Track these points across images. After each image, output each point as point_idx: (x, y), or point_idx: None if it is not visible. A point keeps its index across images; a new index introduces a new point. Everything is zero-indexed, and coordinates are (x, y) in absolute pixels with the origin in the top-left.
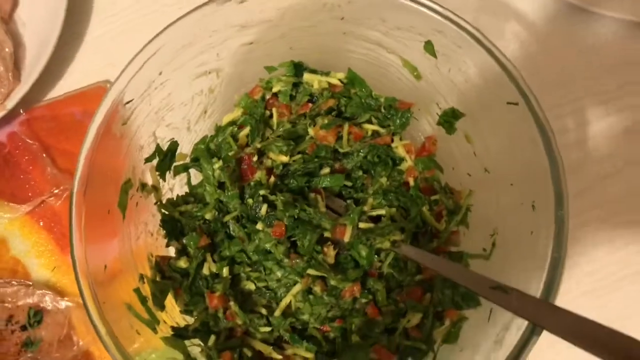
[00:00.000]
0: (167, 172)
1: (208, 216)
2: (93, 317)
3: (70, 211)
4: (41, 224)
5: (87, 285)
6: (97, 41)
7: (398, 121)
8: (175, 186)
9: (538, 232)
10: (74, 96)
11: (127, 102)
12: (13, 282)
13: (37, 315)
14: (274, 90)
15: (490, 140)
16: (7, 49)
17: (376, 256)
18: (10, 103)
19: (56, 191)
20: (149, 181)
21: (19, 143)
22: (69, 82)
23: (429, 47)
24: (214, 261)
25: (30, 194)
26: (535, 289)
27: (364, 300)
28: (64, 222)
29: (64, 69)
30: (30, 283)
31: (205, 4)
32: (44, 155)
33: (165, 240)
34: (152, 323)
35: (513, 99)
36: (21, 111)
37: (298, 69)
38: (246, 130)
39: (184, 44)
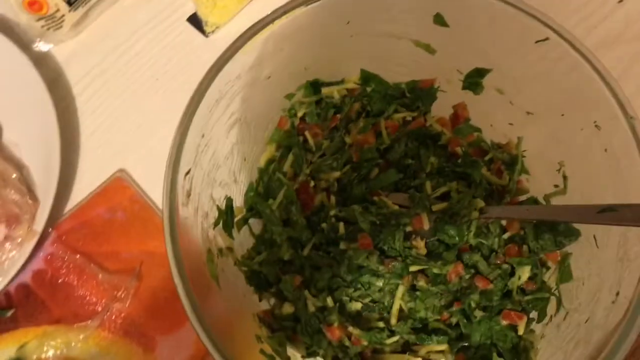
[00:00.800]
0: (233, 230)
1: (286, 257)
2: None
3: (184, 306)
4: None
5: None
6: (94, 137)
7: (425, 100)
8: (243, 242)
9: (612, 147)
10: (96, 196)
11: (187, 173)
12: None
13: None
14: (300, 115)
15: (525, 83)
16: (13, 175)
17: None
18: (39, 225)
19: (119, 294)
20: (222, 244)
21: (59, 263)
22: (85, 185)
23: (438, 18)
24: (313, 296)
25: (92, 308)
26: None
27: (468, 277)
28: (137, 322)
29: (74, 173)
30: None
31: (221, 61)
32: (91, 264)
33: (257, 296)
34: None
35: (540, 35)
36: (50, 230)
37: (315, 87)
38: (289, 161)
39: (216, 98)
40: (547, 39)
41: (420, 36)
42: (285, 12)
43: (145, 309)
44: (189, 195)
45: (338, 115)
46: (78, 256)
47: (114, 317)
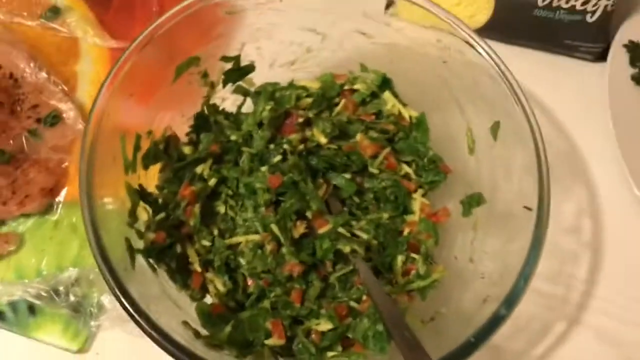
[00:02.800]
0: (230, 84)
1: (233, 137)
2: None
3: None
4: None
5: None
6: None
7: (430, 178)
8: (227, 102)
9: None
10: None
11: None
12: (59, 84)
13: (55, 119)
14: (355, 87)
15: (491, 238)
16: None
17: (333, 262)
18: None
19: None
20: (213, 77)
21: None
22: None
23: (494, 128)
24: (210, 169)
25: None
26: None
27: (296, 286)
28: None
29: None
30: (69, 98)
31: None
32: None
33: (188, 131)
34: (129, 167)
35: (530, 204)
36: None
37: (385, 84)
38: (309, 100)
39: None
40: (531, 209)
41: (475, 129)
42: None
43: None
44: (229, 12)
45: (374, 117)
46: None
47: None
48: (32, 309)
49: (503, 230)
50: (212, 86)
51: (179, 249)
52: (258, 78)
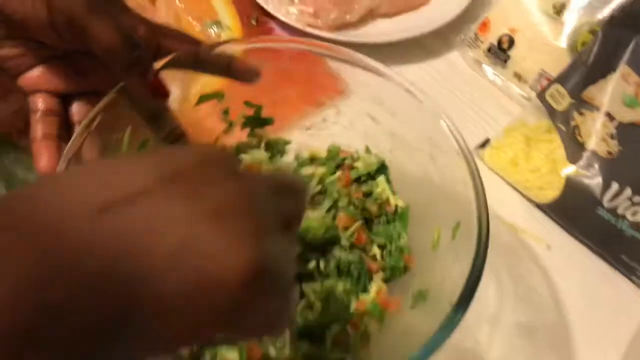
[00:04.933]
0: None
1: None
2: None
3: None
4: None
5: None
6: None
7: (393, 263)
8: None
9: None
10: None
11: None
12: None
13: None
14: (355, 164)
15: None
16: None
17: None
18: None
19: None
20: (233, 117)
21: None
22: None
23: (455, 228)
24: None
25: None
26: None
27: None
28: None
29: None
30: None
31: None
32: None
33: None
34: None
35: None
36: None
37: (382, 169)
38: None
39: None
40: None
41: (443, 228)
42: None
43: None
44: None
45: (361, 195)
46: None
47: None
48: None
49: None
50: (231, 125)
51: None
52: (273, 131)
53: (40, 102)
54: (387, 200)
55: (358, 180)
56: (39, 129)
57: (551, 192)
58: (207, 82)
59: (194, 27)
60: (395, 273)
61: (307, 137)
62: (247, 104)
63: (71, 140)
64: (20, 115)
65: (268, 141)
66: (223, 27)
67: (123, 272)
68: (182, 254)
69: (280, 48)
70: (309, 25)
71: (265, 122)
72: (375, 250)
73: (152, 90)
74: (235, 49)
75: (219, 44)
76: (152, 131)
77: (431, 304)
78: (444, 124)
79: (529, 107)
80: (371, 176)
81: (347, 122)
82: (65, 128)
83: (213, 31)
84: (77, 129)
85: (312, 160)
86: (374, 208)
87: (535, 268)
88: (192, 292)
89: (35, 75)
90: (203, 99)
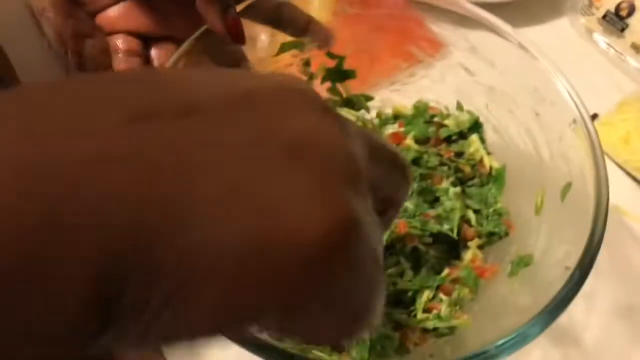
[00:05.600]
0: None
1: None
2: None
3: None
4: None
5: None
6: None
7: (490, 229)
8: None
9: None
10: None
11: None
12: None
13: None
14: (445, 122)
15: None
16: None
17: None
18: None
19: None
20: (314, 69)
21: None
22: None
23: (565, 189)
24: None
25: None
26: None
27: None
28: None
29: None
30: None
31: None
32: None
33: None
34: None
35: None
36: None
37: (475, 127)
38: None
39: None
40: None
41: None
42: None
43: None
44: None
45: (452, 153)
46: None
47: None
48: None
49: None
50: (311, 77)
51: None
52: (355, 87)
53: (120, 42)
54: (481, 161)
55: (448, 139)
56: (122, 69)
57: None
58: None
59: None
60: (493, 239)
61: (391, 92)
62: (330, 55)
63: None
64: (108, 53)
65: (348, 97)
66: None
67: (144, 216)
68: (240, 197)
69: None
70: None
71: (347, 75)
72: (470, 215)
73: (230, 32)
74: None
75: None
76: None
77: (535, 270)
78: (554, 76)
79: None
80: (463, 135)
81: (437, 75)
82: None
83: None
84: None
85: (397, 117)
86: (467, 169)
87: (637, 251)
88: (246, 251)
89: (114, 14)
90: (284, 47)
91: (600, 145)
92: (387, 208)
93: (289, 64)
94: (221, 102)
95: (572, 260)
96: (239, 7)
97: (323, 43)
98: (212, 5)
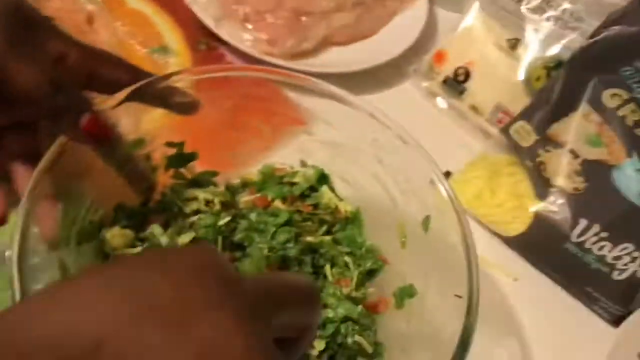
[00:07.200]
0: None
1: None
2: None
3: None
4: None
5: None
6: None
7: (369, 266)
8: None
9: None
10: None
11: None
12: None
13: None
14: (294, 180)
15: (425, 327)
16: None
17: None
18: None
19: None
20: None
21: None
22: None
23: (425, 221)
24: None
25: None
26: None
27: None
28: None
29: None
30: None
31: None
32: None
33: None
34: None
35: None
36: None
37: (323, 179)
38: None
39: None
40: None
41: (407, 222)
42: None
43: None
44: None
45: (310, 207)
46: None
47: None
48: None
49: (433, 320)
50: (154, 169)
51: None
52: (200, 166)
53: None
54: (337, 208)
55: (302, 195)
56: None
57: (517, 227)
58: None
59: (137, 53)
60: (373, 274)
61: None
62: (169, 144)
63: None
64: None
65: (194, 177)
66: (170, 53)
67: None
68: None
69: (237, 76)
70: (265, 53)
71: (189, 158)
72: (347, 259)
73: (90, 136)
74: (186, 80)
75: (169, 75)
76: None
77: (421, 300)
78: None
79: (491, 141)
80: (313, 188)
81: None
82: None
83: (159, 57)
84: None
85: (245, 185)
86: (327, 218)
87: (501, 300)
88: None
89: None
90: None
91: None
92: (303, 334)
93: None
94: (128, 326)
95: (459, 289)
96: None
97: (187, 111)
98: (59, 120)
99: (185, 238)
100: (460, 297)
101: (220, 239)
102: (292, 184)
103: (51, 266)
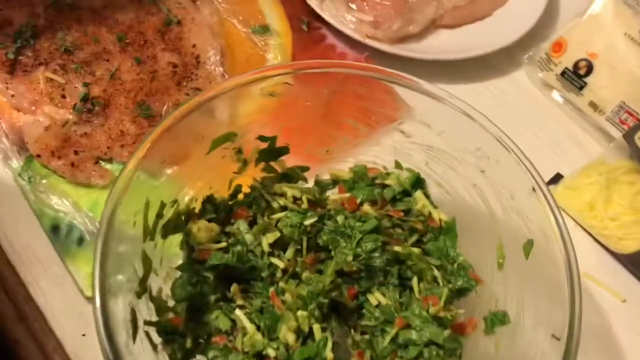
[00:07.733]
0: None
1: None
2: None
3: None
4: None
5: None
6: None
7: (460, 284)
8: None
9: None
10: None
11: None
12: None
13: None
14: (386, 182)
15: None
16: None
17: None
18: None
19: None
20: (247, 155)
21: None
22: None
23: (527, 246)
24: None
25: None
26: None
27: None
28: None
29: None
30: None
31: None
32: None
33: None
34: (148, 235)
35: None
36: None
37: (418, 183)
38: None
39: None
40: (559, 339)
41: (506, 244)
42: None
43: None
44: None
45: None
46: None
47: None
48: (80, 241)
49: (525, 354)
50: (245, 163)
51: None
52: (290, 161)
53: None
54: (430, 216)
55: (393, 199)
56: None
57: (632, 243)
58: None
59: (239, 32)
60: (462, 293)
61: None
62: (262, 138)
63: None
64: None
65: (284, 172)
66: (271, 32)
67: None
68: None
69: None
70: (368, 37)
71: (280, 152)
72: (435, 272)
73: None
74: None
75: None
76: None
77: (513, 330)
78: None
79: (611, 144)
80: (407, 193)
81: (372, 139)
82: None
83: (259, 38)
84: None
85: (335, 182)
86: (419, 226)
87: (602, 322)
88: None
89: None
90: (215, 144)
91: (560, 212)
92: None
93: (222, 156)
94: None
95: (556, 328)
96: None
97: None
98: None
99: (270, 237)
100: (558, 339)
101: (305, 239)
102: (384, 186)
103: (135, 256)
